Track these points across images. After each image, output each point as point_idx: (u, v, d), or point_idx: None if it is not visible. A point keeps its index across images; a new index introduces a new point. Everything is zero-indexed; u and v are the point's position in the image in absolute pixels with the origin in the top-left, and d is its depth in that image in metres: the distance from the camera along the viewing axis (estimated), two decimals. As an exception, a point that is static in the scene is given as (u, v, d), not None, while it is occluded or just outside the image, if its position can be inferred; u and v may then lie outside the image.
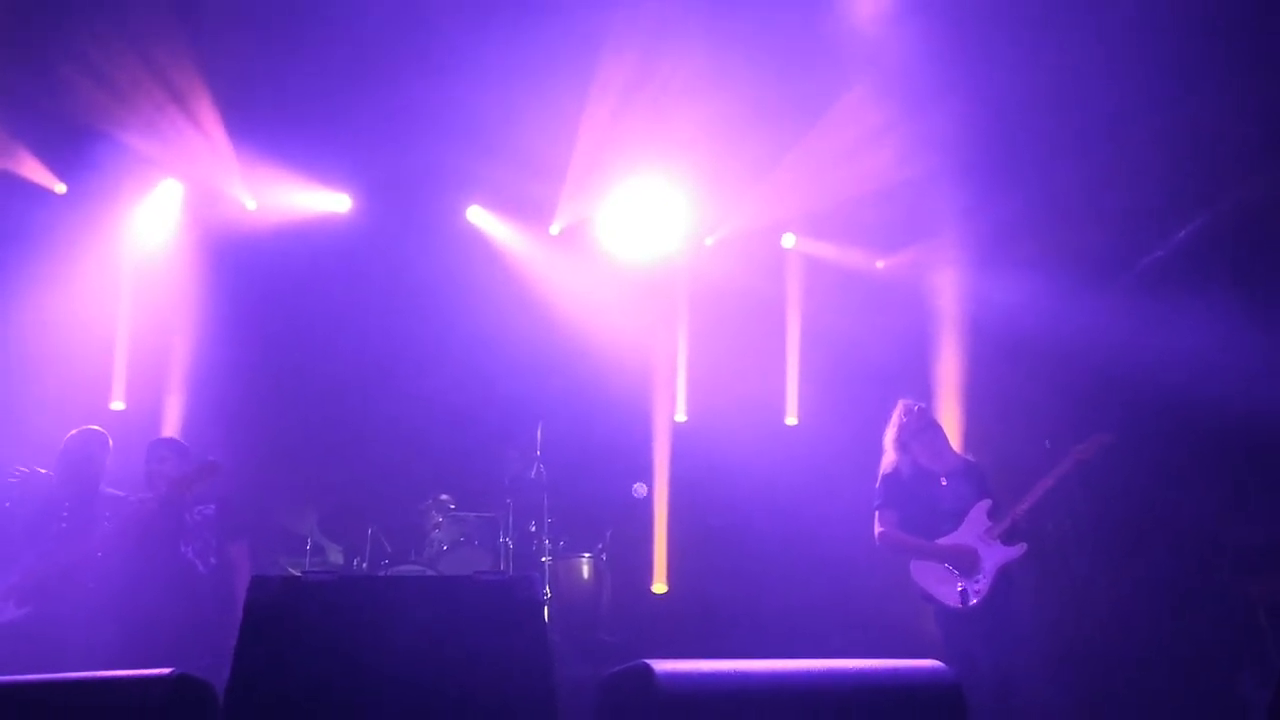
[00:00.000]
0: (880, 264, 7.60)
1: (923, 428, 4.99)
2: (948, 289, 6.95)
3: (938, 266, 7.08)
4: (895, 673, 2.35)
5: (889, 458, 5.04)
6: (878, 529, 4.90)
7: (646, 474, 7.27)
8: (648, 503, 7.19)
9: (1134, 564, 5.97)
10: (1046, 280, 6.40)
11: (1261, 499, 5.83)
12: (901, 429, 5.03)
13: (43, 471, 5.00)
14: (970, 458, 5.12)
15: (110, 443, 5.12)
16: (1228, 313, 5.87)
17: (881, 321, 6.86)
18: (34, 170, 6.58)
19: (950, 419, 6.39)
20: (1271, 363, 5.57)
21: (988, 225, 6.77)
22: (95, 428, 5.13)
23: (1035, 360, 6.60)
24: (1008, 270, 6.66)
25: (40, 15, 5.65)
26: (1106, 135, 6.08)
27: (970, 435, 6.20)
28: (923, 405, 5.15)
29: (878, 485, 5.01)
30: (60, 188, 6.73)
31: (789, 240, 7.65)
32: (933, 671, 2.36)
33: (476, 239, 7.51)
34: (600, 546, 6.59)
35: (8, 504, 4.94)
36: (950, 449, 5.09)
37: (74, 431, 5.08)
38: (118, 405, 6.71)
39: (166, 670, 2.06)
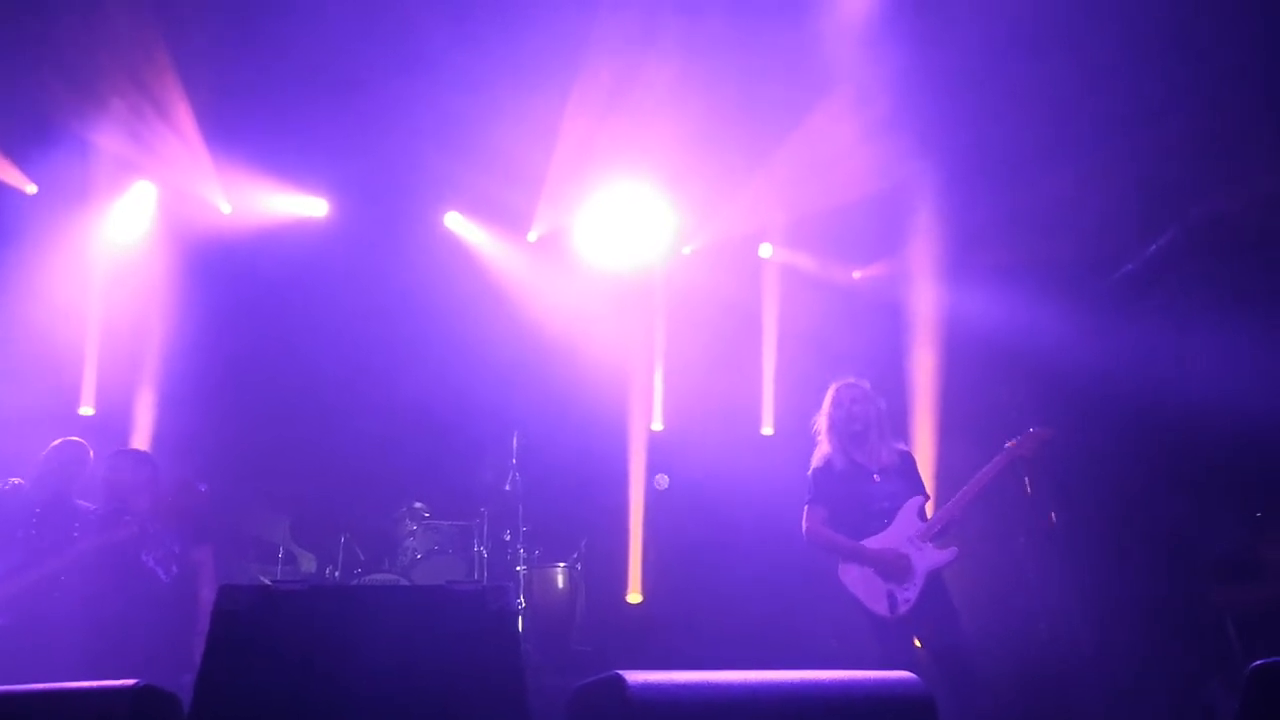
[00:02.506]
0: (857, 274, 7.65)
1: (855, 417, 4.66)
2: (923, 299, 6.98)
3: (913, 277, 7.12)
4: (868, 684, 2.34)
5: (821, 449, 4.74)
6: (805, 525, 4.62)
7: (622, 483, 7.26)
8: (622, 512, 7.18)
9: (1105, 572, 6.01)
10: (1021, 290, 6.46)
11: (1231, 508, 5.89)
12: (834, 417, 4.73)
13: (15, 481, 4.93)
14: (904, 448, 4.81)
15: (90, 455, 5.10)
16: (1200, 324, 5.94)
17: (857, 331, 6.89)
18: (3, 170, 6.49)
19: (925, 428, 6.42)
20: (1243, 373, 5.62)
21: (962, 236, 6.83)
22: (76, 439, 5.11)
23: (1009, 369, 6.65)
24: (983, 280, 6.71)
25: (12, 14, 5.57)
26: (1079, 148, 6.14)
27: (944, 444, 6.23)
28: (859, 385, 4.79)
29: (809, 479, 4.71)
30: (30, 188, 6.65)
31: (766, 250, 7.68)
32: (906, 683, 2.35)
33: (454, 245, 7.49)
34: (575, 556, 6.57)
35: None
36: (888, 439, 4.74)
37: (56, 442, 5.06)
38: (87, 411, 6.61)
39: (131, 681, 2.03)
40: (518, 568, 6.33)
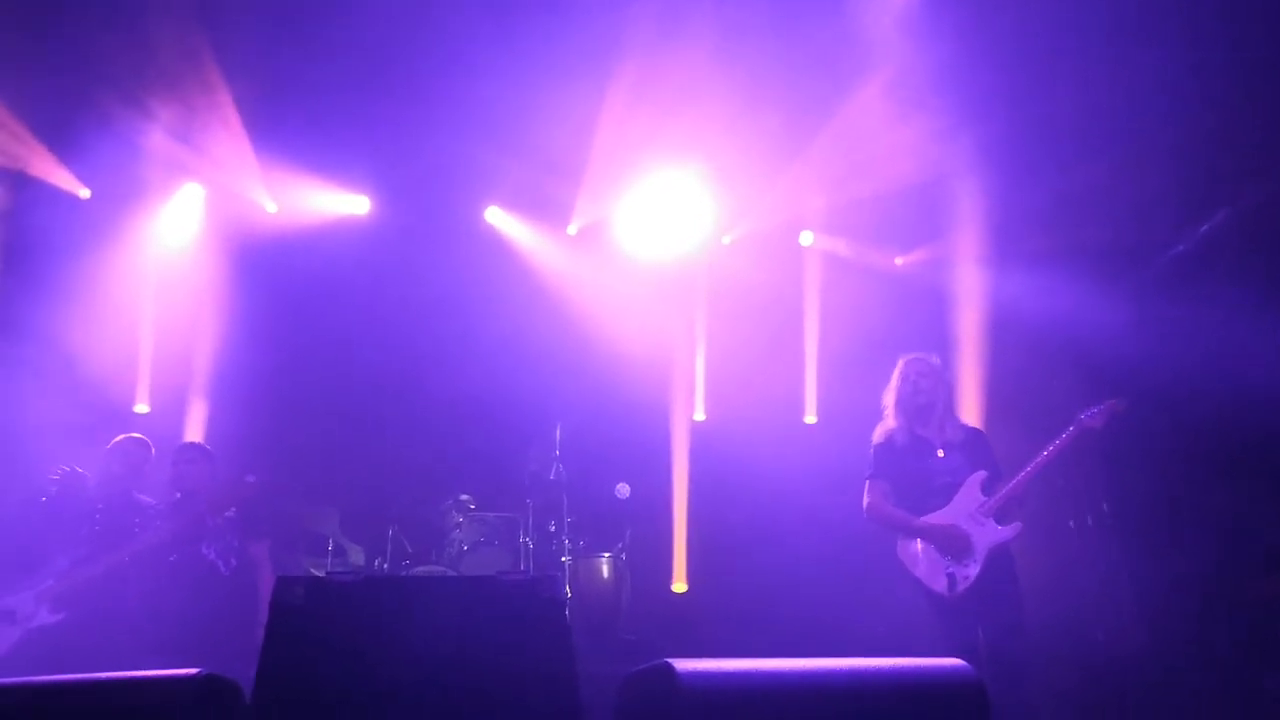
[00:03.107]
0: (899, 260, 7.57)
1: (922, 390, 4.60)
2: (967, 285, 6.90)
3: (957, 262, 7.04)
4: (918, 671, 2.34)
5: (885, 423, 4.70)
6: (866, 499, 4.58)
7: (665, 473, 7.28)
8: (666, 502, 7.20)
9: (1154, 561, 5.92)
10: (1065, 275, 6.36)
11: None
12: (900, 391, 4.67)
13: (80, 471, 5.08)
14: (974, 426, 4.76)
15: (151, 451, 5.24)
16: (1253, 307, 5.81)
17: (900, 318, 6.83)
18: (58, 175, 6.66)
19: (969, 414, 6.35)
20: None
21: (1006, 220, 6.74)
22: (138, 436, 5.26)
23: (1056, 356, 6.56)
24: (1027, 265, 6.62)
25: (63, 22, 5.71)
26: (1119, 131, 6.03)
27: (989, 430, 6.15)
28: (927, 360, 4.73)
29: (870, 453, 4.68)
30: (84, 192, 6.81)
31: (807, 238, 7.63)
32: (956, 670, 2.34)
33: (495, 240, 7.54)
34: (620, 546, 6.60)
35: (44, 499, 5.02)
36: (954, 415, 4.72)
37: (119, 438, 5.21)
38: (142, 409, 6.78)
39: (194, 670, 2.07)
40: (563, 558, 6.38)
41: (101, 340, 6.56)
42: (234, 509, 5.08)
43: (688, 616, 6.93)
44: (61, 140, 6.47)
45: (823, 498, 6.48)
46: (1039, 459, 4.41)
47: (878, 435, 4.69)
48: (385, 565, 6.29)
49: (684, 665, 2.15)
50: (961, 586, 4.21)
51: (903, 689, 2.30)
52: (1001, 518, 4.34)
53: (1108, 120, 6.02)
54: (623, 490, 6.24)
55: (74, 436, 5.57)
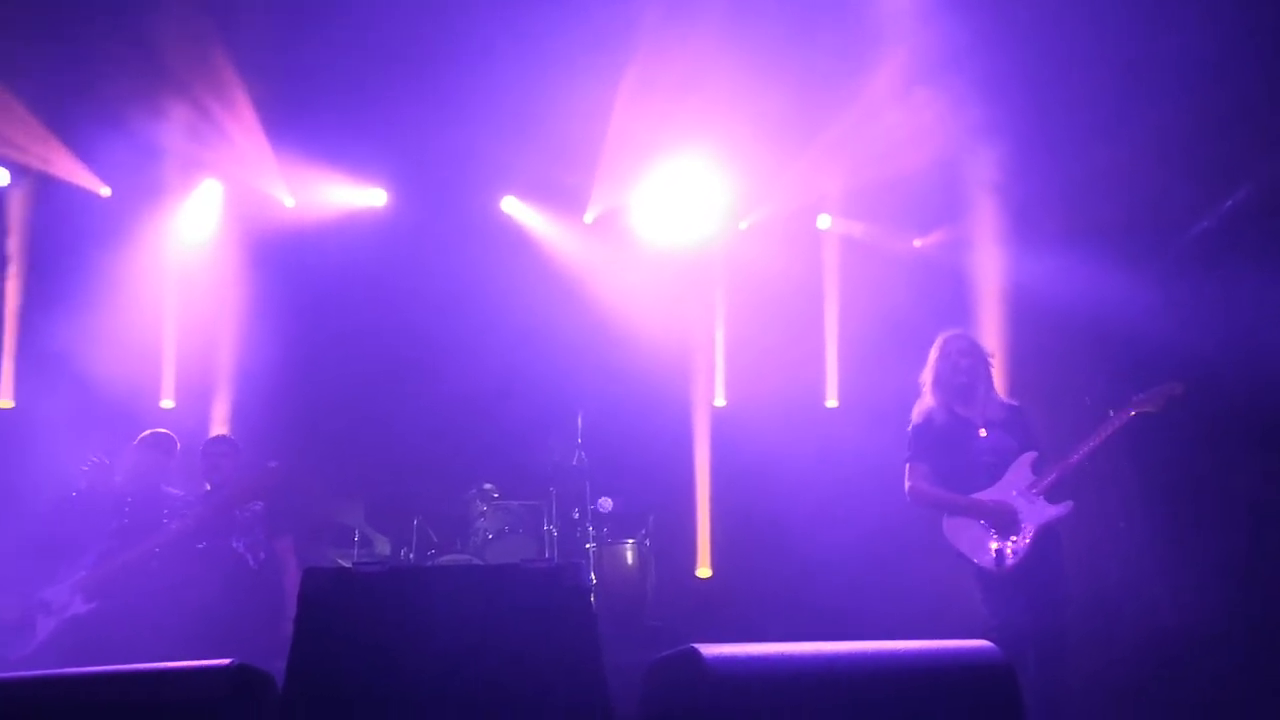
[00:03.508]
0: (918, 242, 7.53)
1: (962, 369, 4.49)
2: (986, 266, 6.85)
3: (976, 243, 6.99)
4: (945, 654, 2.34)
5: (924, 403, 4.57)
6: (908, 483, 4.48)
7: (687, 459, 7.29)
8: (689, 488, 7.21)
9: (1183, 541, 5.88)
10: (1087, 255, 6.30)
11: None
12: (939, 369, 4.55)
13: (107, 463, 5.16)
14: (1015, 403, 4.64)
15: (177, 445, 5.33)
16: (1278, 284, 5.74)
17: (920, 300, 6.79)
18: (79, 174, 6.73)
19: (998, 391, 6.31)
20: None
21: (1026, 201, 6.68)
22: (164, 430, 5.35)
23: (1078, 336, 6.51)
24: (1047, 246, 6.56)
25: (80, 25, 5.75)
26: (1144, 108, 5.95)
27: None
28: (966, 336, 4.63)
29: (909, 434, 4.56)
30: (105, 191, 6.88)
31: (824, 222, 7.60)
32: (983, 652, 2.34)
33: (512, 230, 7.55)
34: (643, 532, 6.62)
35: (74, 494, 5.13)
36: (994, 393, 4.58)
37: (145, 433, 5.29)
38: (167, 404, 6.85)
39: (227, 661, 2.10)
40: (587, 545, 6.40)
41: (126, 336, 6.63)
42: (260, 503, 5.14)
43: (712, 602, 6.96)
44: (82, 140, 6.54)
45: (845, 481, 6.48)
46: (1093, 440, 4.31)
47: (916, 415, 4.57)
48: (411, 555, 6.34)
49: (710, 650, 2.15)
50: (1010, 563, 4.15)
51: (930, 671, 2.30)
52: (1052, 497, 4.27)
53: (1127, 97, 5.95)
54: (605, 504, 6.24)
55: (101, 433, 5.65)
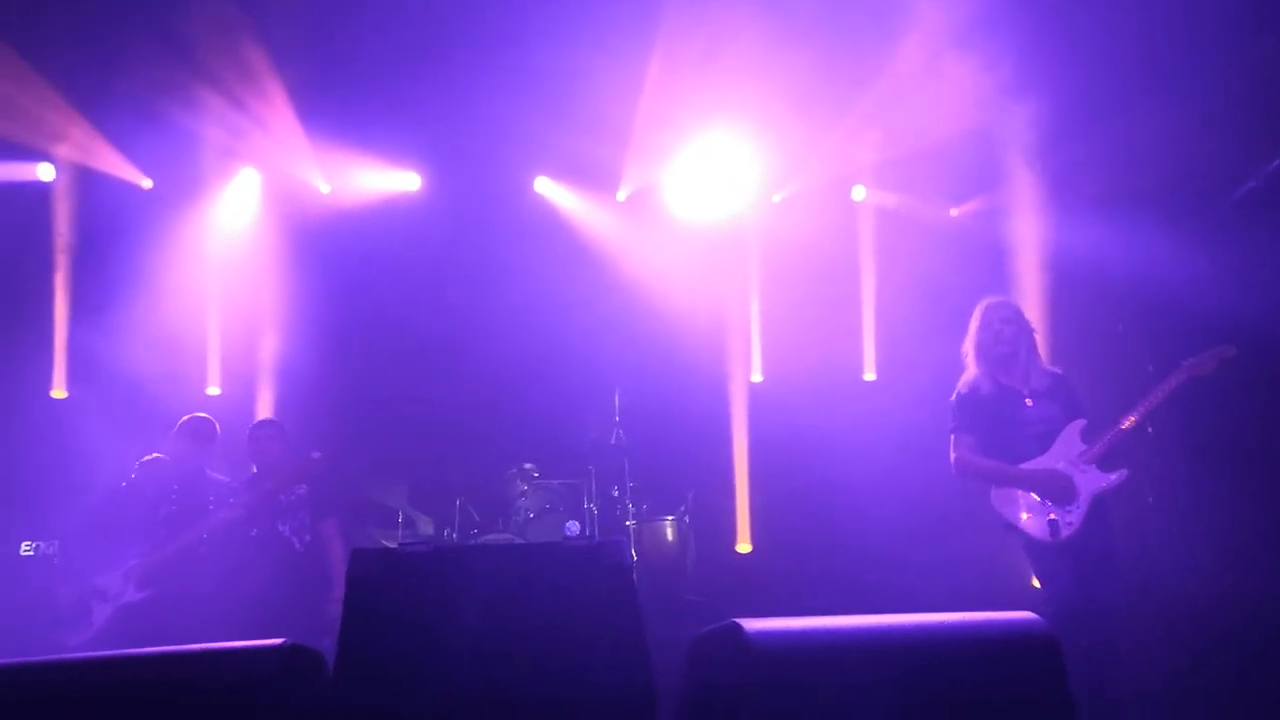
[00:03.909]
0: (954, 211, 7.43)
1: (1005, 338, 4.39)
2: (1025, 234, 6.74)
3: (1013, 211, 6.88)
4: (988, 625, 2.33)
5: (968, 373, 4.48)
6: (953, 455, 4.38)
7: (725, 435, 7.29)
8: (727, 463, 7.22)
9: (1231, 512, 5.78)
10: (1130, 220, 6.18)
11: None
12: (981, 338, 4.45)
13: (156, 455, 5.28)
14: (1058, 370, 4.55)
15: (217, 429, 5.39)
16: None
17: (957, 270, 6.70)
18: (121, 168, 6.85)
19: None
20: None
21: (1062, 166, 6.55)
22: (203, 415, 5.40)
23: (1121, 302, 6.40)
24: (1086, 211, 6.44)
25: (117, 18, 5.83)
26: (1188, 66, 5.80)
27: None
28: (1008, 304, 4.52)
29: (952, 405, 4.46)
30: (146, 183, 6.99)
31: (859, 193, 7.52)
32: (1027, 623, 2.33)
33: (546, 210, 7.57)
34: (683, 509, 6.64)
35: (123, 484, 5.24)
36: (1037, 361, 4.47)
37: (185, 418, 5.35)
38: (214, 391, 6.98)
39: (278, 641, 2.14)
40: (627, 522, 6.44)
41: (171, 325, 6.76)
42: (304, 487, 5.22)
43: (753, 577, 6.97)
44: (123, 135, 6.65)
45: (884, 454, 6.44)
46: (1143, 406, 4.22)
47: (961, 386, 4.47)
48: (454, 535, 6.41)
49: (752, 625, 2.16)
50: (1065, 533, 4.08)
51: (973, 642, 2.29)
52: (1104, 465, 4.20)
53: (1169, 56, 5.79)
54: (572, 526, 6.26)
55: (150, 421, 5.77)
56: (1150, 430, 5.36)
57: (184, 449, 5.27)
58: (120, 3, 5.83)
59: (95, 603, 4.88)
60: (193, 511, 5.06)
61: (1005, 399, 4.38)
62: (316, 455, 5.03)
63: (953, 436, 4.45)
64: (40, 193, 6.80)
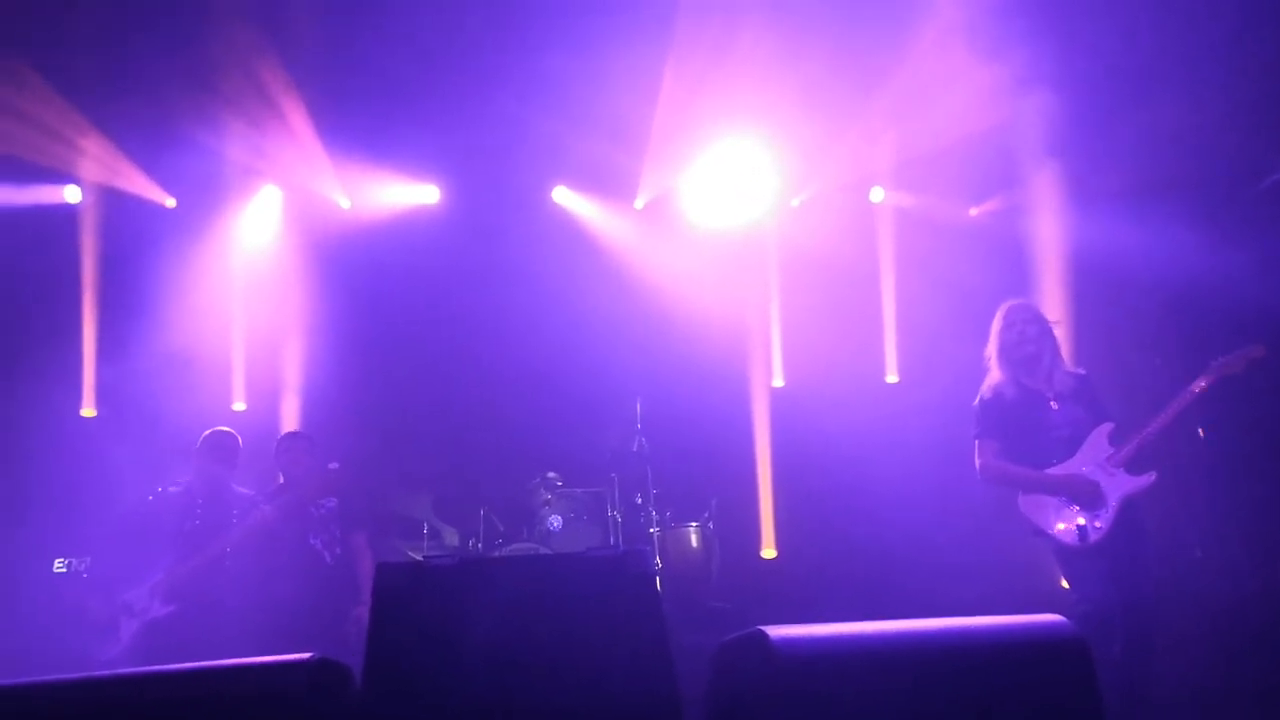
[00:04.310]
0: (973, 211, 7.38)
1: (1028, 339, 4.34)
2: (1046, 232, 6.69)
3: (1035, 209, 6.83)
4: (1015, 629, 2.31)
5: (991, 377, 4.42)
6: (979, 461, 4.34)
7: (748, 440, 7.27)
8: (750, 469, 7.20)
9: (1263, 511, 5.70)
10: (1154, 215, 6.11)
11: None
12: (1004, 340, 4.40)
13: (174, 489, 5.28)
14: (1082, 372, 4.50)
15: (240, 442, 5.41)
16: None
17: (978, 270, 6.66)
18: (146, 187, 6.94)
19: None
20: None
21: (1085, 161, 6.50)
22: (226, 429, 5.41)
23: (1147, 299, 6.34)
24: (1110, 207, 6.38)
25: (139, 39, 5.91)
26: (1211, 57, 5.73)
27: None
28: (1030, 306, 4.49)
29: (976, 410, 4.42)
30: (170, 202, 7.09)
31: (878, 194, 7.49)
32: (1054, 626, 2.31)
33: (564, 219, 7.59)
34: (706, 515, 6.62)
35: (150, 498, 5.25)
36: (1060, 362, 4.43)
37: (207, 432, 5.37)
38: (239, 406, 7.05)
39: (306, 655, 2.14)
40: (651, 530, 6.43)
41: (197, 342, 6.83)
42: (334, 500, 5.25)
43: (778, 583, 6.94)
44: (147, 155, 6.75)
45: (908, 457, 6.40)
46: (1172, 408, 4.18)
47: (984, 390, 4.43)
48: (479, 545, 6.42)
49: (776, 632, 2.16)
50: (1094, 537, 4.04)
51: (1000, 647, 2.27)
52: (1133, 468, 4.15)
53: (1191, 47, 5.73)
54: (555, 522, 6.26)
55: (178, 437, 5.82)
56: (1184, 431, 5.29)
57: (208, 464, 5.28)
58: (142, 25, 5.91)
59: (123, 618, 4.89)
60: (218, 526, 5.07)
61: (1030, 402, 4.34)
62: (334, 466, 5.05)
63: (977, 442, 4.40)
64: (67, 214, 6.90)
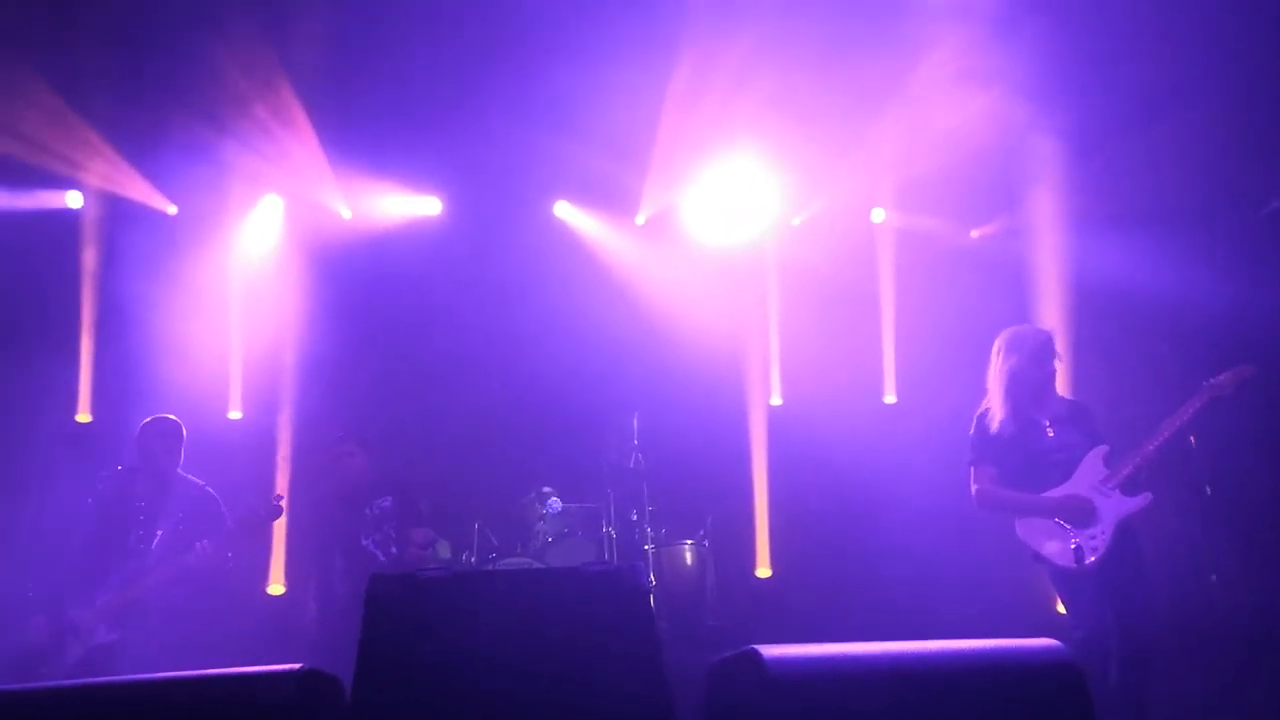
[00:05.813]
0: (974, 233, 7.40)
1: (1031, 364, 4.34)
2: (1048, 255, 6.70)
3: (1036, 232, 6.84)
4: (1011, 652, 2.30)
5: (987, 403, 4.45)
6: (974, 487, 4.36)
7: (745, 459, 7.25)
8: (746, 487, 7.18)
9: (1261, 531, 5.68)
10: (1156, 239, 6.13)
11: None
12: (1018, 366, 4.37)
13: (119, 469, 5.13)
14: (1075, 399, 4.56)
15: (184, 431, 5.19)
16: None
17: (979, 292, 6.67)
18: (147, 194, 6.95)
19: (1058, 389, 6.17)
20: None
21: (1088, 184, 6.52)
22: (169, 416, 5.21)
23: (1147, 323, 6.34)
24: (1111, 230, 6.40)
25: (143, 47, 5.94)
26: (1213, 80, 5.76)
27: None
28: (1037, 333, 4.48)
29: (971, 437, 4.44)
30: (171, 209, 7.09)
31: (878, 215, 7.51)
32: (1050, 650, 2.29)
33: (565, 234, 7.60)
34: (702, 533, 6.60)
35: (90, 500, 5.02)
36: (1054, 390, 4.45)
37: (148, 419, 5.15)
38: (235, 415, 7.03)
39: (295, 665, 2.14)
40: (646, 547, 6.41)
41: (195, 350, 6.81)
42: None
43: (773, 602, 6.92)
44: (149, 162, 6.76)
45: (905, 478, 6.39)
46: (1166, 429, 4.20)
47: (979, 417, 4.46)
48: (472, 559, 6.40)
49: (770, 651, 2.15)
50: (1090, 558, 4.03)
51: (995, 670, 2.26)
52: (1128, 490, 4.14)
53: (1195, 70, 5.76)
54: (555, 504, 6.25)
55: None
56: (1178, 452, 5.29)
57: (151, 451, 5.04)
58: (145, 33, 5.94)
59: (69, 639, 4.61)
60: (164, 514, 4.88)
61: (1025, 428, 4.35)
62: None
63: (972, 469, 4.42)
64: (68, 220, 6.90)
